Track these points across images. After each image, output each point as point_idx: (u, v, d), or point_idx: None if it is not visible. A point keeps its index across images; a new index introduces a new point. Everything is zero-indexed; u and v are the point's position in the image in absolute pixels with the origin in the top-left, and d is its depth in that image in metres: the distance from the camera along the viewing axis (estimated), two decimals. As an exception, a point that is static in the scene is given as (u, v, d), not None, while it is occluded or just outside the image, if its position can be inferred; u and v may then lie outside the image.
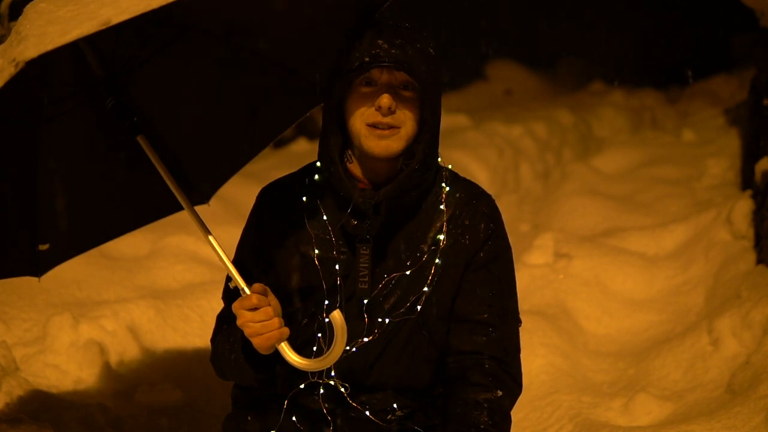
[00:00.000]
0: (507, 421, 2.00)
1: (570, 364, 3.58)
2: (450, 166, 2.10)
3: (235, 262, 2.06)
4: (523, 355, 2.11)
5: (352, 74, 1.89)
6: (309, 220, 2.02)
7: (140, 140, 2.07)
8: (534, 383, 3.35)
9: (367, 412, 2.00)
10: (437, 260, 1.99)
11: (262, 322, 1.86)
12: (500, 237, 2.07)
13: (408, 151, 1.94)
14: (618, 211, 5.28)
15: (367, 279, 1.97)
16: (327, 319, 1.97)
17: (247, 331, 1.87)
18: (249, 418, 2.07)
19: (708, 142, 6.58)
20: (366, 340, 1.99)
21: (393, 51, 1.87)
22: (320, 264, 2.00)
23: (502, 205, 2.19)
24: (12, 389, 2.91)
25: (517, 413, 2.10)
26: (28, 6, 1.82)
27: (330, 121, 1.96)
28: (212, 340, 2.12)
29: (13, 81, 1.61)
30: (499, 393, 1.98)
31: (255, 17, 2.07)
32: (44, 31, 1.62)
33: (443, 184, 2.04)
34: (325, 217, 2.01)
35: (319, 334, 2.00)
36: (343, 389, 2.01)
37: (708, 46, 10.51)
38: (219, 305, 2.17)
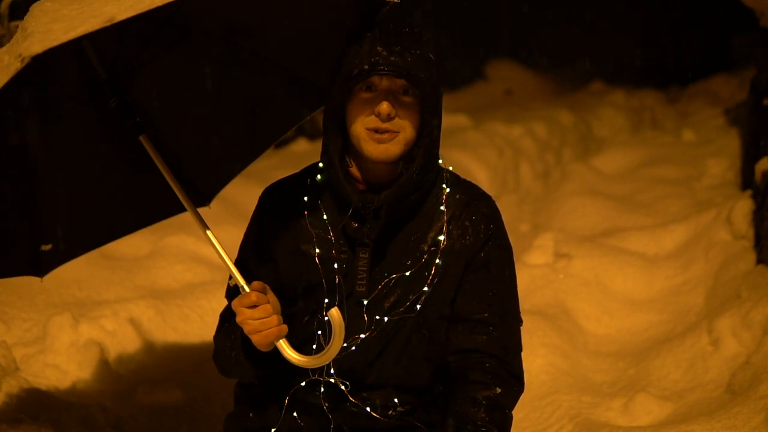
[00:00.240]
0: (506, 418, 2.00)
1: (570, 364, 3.58)
2: (451, 168, 2.11)
3: (237, 261, 2.08)
4: (523, 355, 2.11)
5: (351, 82, 1.90)
6: (310, 219, 2.03)
7: (142, 140, 2.08)
8: (534, 383, 3.35)
9: (368, 408, 2.01)
10: (437, 260, 2.00)
11: (261, 320, 1.88)
12: (500, 237, 2.08)
13: (408, 155, 1.95)
14: (618, 211, 5.28)
15: (365, 282, 1.99)
16: (327, 318, 1.98)
17: (246, 328, 1.89)
18: (250, 415, 2.08)
19: (708, 142, 6.58)
20: (363, 336, 2.00)
21: (392, 58, 1.87)
22: (321, 263, 2.01)
23: (502, 205, 2.19)
24: (12, 389, 2.91)
25: (517, 413, 2.10)
26: (34, 5, 1.83)
27: (330, 125, 1.97)
28: (214, 337, 2.14)
29: (18, 81, 1.62)
30: (498, 390, 1.98)
31: (256, 19, 2.08)
32: (49, 28, 1.64)
33: (444, 186, 2.05)
34: (325, 217, 2.02)
35: (319, 332, 2.01)
36: (343, 387, 2.01)
37: (708, 46, 10.51)
38: (219, 305, 2.17)
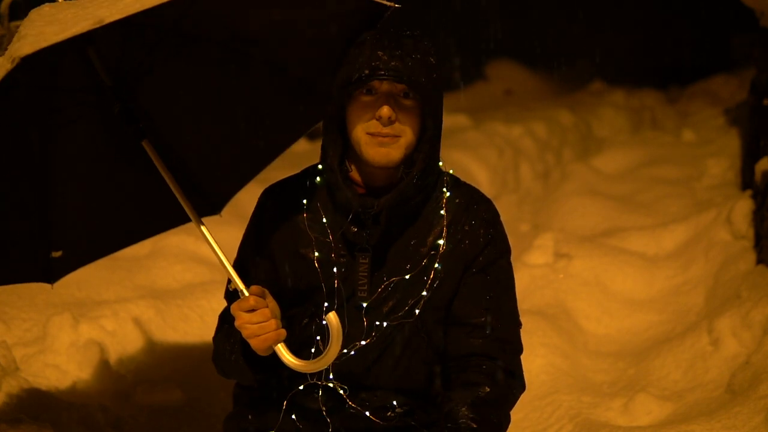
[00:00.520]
0: (495, 416, 1.99)
1: (570, 364, 3.58)
2: (452, 171, 2.10)
3: (236, 263, 2.07)
4: (523, 356, 2.11)
5: (351, 86, 1.89)
6: (309, 222, 2.03)
7: (145, 145, 2.07)
8: (534, 383, 3.35)
9: (367, 413, 2.01)
10: (436, 265, 2.00)
11: (259, 324, 1.87)
12: (499, 242, 2.07)
13: (408, 159, 1.95)
14: (618, 211, 5.28)
15: (366, 288, 1.99)
16: (326, 322, 1.98)
17: (244, 333, 1.89)
18: (249, 416, 2.08)
19: (708, 142, 6.58)
20: (363, 343, 1.99)
21: (393, 63, 1.86)
22: (320, 267, 2.00)
23: (502, 205, 2.19)
24: (12, 389, 2.91)
25: (517, 413, 2.10)
26: (33, 10, 1.85)
27: (330, 129, 1.96)
28: (214, 339, 2.13)
29: (27, 88, 1.63)
30: (487, 389, 1.97)
31: (261, 26, 2.07)
32: (42, 31, 1.66)
33: (444, 189, 2.05)
34: (324, 220, 2.02)
35: (318, 337, 2.01)
36: (342, 391, 2.01)
37: (708, 46, 10.51)
38: (219, 305, 2.17)
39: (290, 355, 1.91)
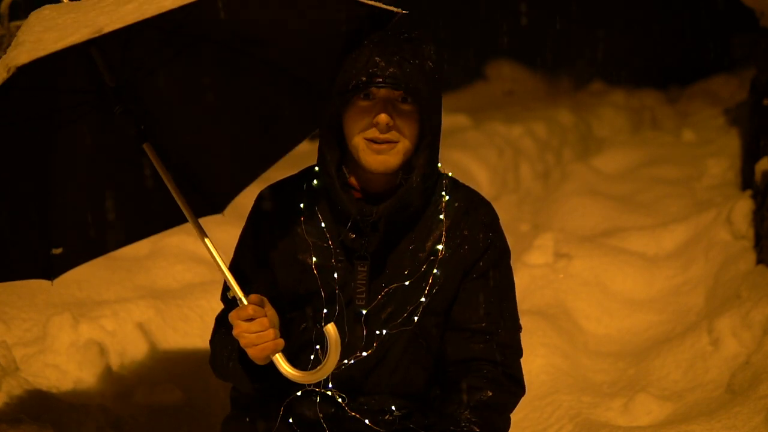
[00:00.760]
0: (497, 420, 1.99)
1: (570, 364, 3.58)
2: (450, 174, 2.08)
3: (232, 265, 2.06)
4: (523, 356, 2.10)
5: (349, 94, 1.86)
6: (306, 226, 2.01)
7: (146, 148, 2.06)
8: (534, 383, 3.35)
9: (367, 421, 2.00)
10: (435, 270, 1.98)
11: (257, 333, 1.86)
12: (499, 246, 2.05)
13: (407, 165, 1.93)
14: (618, 211, 5.28)
15: (364, 296, 1.97)
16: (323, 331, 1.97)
17: (242, 341, 1.87)
18: (247, 419, 2.07)
19: (708, 142, 6.59)
20: (365, 354, 1.99)
21: (390, 69, 1.83)
22: (318, 272, 1.99)
23: (502, 205, 2.19)
24: (12, 389, 2.90)
25: (517, 413, 2.10)
26: (33, 12, 1.83)
27: (327, 135, 1.94)
28: (211, 342, 2.12)
29: (28, 88, 1.62)
30: (489, 393, 1.97)
31: (265, 29, 2.07)
32: (40, 38, 1.63)
33: (443, 193, 2.03)
34: (323, 225, 2.00)
35: (318, 346, 2.00)
36: (340, 399, 2.00)
37: (708, 46, 10.50)
38: (219, 305, 2.17)
39: (288, 365, 1.89)
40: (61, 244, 2.37)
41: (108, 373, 3.19)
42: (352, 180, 1.97)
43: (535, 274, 4.31)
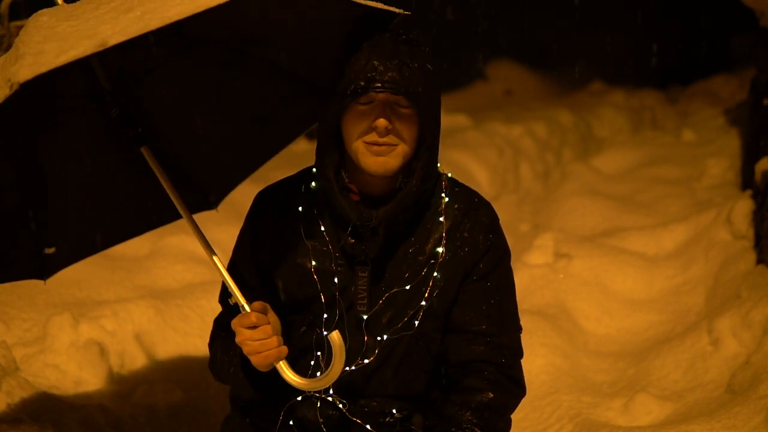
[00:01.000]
0: (497, 421, 1.99)
1: (570, 364, 3.58)
2: (450, 174, 2.07)
3: (230, 268, 2.05)
4: (523, 356, 2.10)
5: (347, 99, 1.85)
6: (305, 230, 2.00)
7: (144, 151, 2.05)
8: (534, 383, 3.35)
9: (368, 426, 2.00)
10: (435, 274, 1.98)
11: (261, 341, 1.85)
12: (499, 247, 2.04)
13: (407, 167, 1.91)
14: (618, 211, 5.28)
15: (365, 302, 1.96)
16: (325, 333, 1.96)
17: (245, 349, 1.86)
18: (247, 420, 2.07)
19: (708, 142, 6.59)
20: (366, 361, 1.98)
21: (389, 74, 1.82)
22: (318, 276, 1.98)
23: (502, 206, 2.19)
24: (12, 389, 2.90)
25: (517, 413, 2.10)
26: (31, 18, 1.80)
27: (326, 138, 1.92)
28: (210, 345, 2.11)
29: (22, 92, 1.60)
30: (491, 395, 1.97)
31: (262, 26, 2.06)
32: (41, 49, 1.60)
33: (442, 195, 2.01)
34: (322, 228, 1.99)
35: (318, 353, 1.99)
36: (341, 405, 2.00)
37: (708, 46, 10.50)
38: (219, 306, 2.16)
39: (292, 372, 1.88)
40: (54, 243, 2.35)
41: (108, 373, 3.19)
42: (351, 183, 1.96)
43: (535, 274, 4.31)
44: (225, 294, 2.08)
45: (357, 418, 2.00)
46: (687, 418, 2.96)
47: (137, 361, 3.36)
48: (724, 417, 2.82)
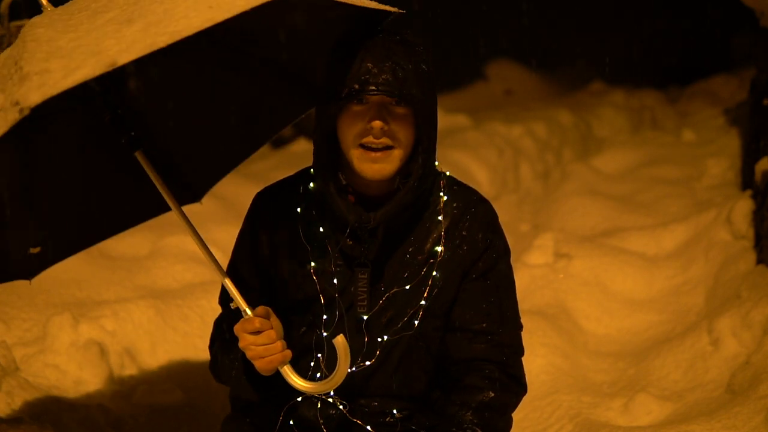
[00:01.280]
0: (498, 420, 1.98)
1: (570, 364, 3.58)
2: (448, 173, 2.07)
3: (229, 270, 2.05)
4: (523, 356, 2.10)
5: (341, 102, 1.84)
6: (304, 231, 2.00)
7: (138, 156, 2.03)
8: (534, 383, 3.35)
9: (369, 427, 2.00)
10: (435, 273, 1.97)
11: (265, 346, 1.84)
12: (498, 245, 2.04)
13: (404, 169, 1.91)
14: (618, 211, 5.28)
15: (365, 303, 1.96)
16: (325, 333, 1.97)
17: (249, 354, 1.86)
18: (247, 420, 2.06)
19: (708, 142, 6.59)
20: (368, 363, 1.98)
21: (383, 76, 1.81)
22: (317, 277, 1.98)
23: (502, 205, 2.19)
24: (12, 389, 2.90)
25: (517, 413, 2.10)
26: (26, 29, 1.74)
27: (322, 141, 1.91)
28: (210, 347, 2.11)
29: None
30: (491, 394, 1.96)
31: (254, 25, 2.05)
32: (46, 68, 1.56)
33: (441, 193, 2.01)
34: (321, 229, 1.99)
35: (319, 355, 1.99)
36: (341, 406, 2.00)
37: (708, 46, 10.51)
38: (218, 306, 2.16)
39: (296, 376, 1.88)
40: (39, 243, 2.33)
41: (108, 373, 3.19)
42: (349, 186, 1.95)
43: (535, 274, 4.31)
44: (225, 295, 2.08)
45: (357, 419, 2.00)
46: (687, 418, 2.96)
47: (137, 361, 3.36)
48: (724, 417, 2.82)
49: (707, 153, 6.14)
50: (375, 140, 1.85)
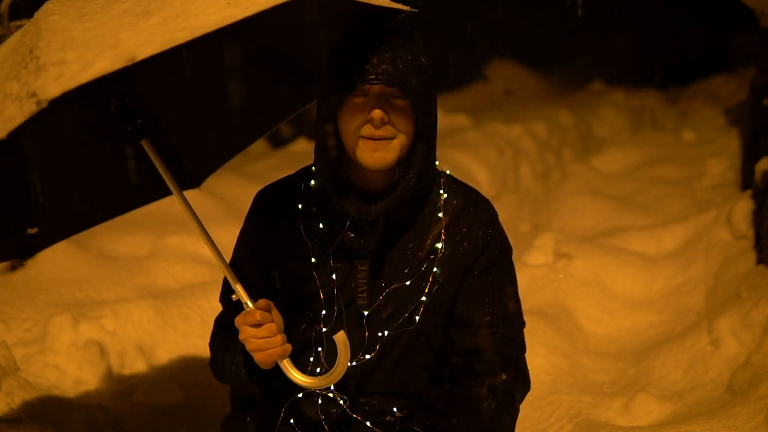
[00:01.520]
0: (511, 402, 1.98)
1: (570, 364, 3.58)
2: (448, 172, 2.08)
3: (231, 266, 2.05)
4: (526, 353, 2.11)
5: (343, 93, 1.85)
6: (305, 227, 2.00)
7: (144, 144, 2.03)
8: (534, 383, 3.32)
9: (368, 423, 2.00)
10: (435, 269, 1.98)
11: (265, 339, 1.85)
12: (499, 242, 2.05)
13: (404, 161, 1.92)
14: (618, 211, 5.29)
15: (365, 296, 1.97)
16: (324, 329, 1.97)
17: (248, 347, 1.86)
18: (247, 419, 2.07)
19: (708, 142, 6.60)
20: (368, 357, 1.98)
21: (383, 66, 1.82)
22: (317, 272, 1.98)
23: (502, 205, 2.19)
24: (12, 389, 2.90)
25: (517, 413, 2.10)
26: (39, 14, 1.73)
27: (323, 134, 1.92)
28: (211, 345, 2.12)
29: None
30: (504, 376, 1.96)
31: (263, 23, 2.05)
32: (63, 59, 1.54)
33: (441, 191, 2.02)
34: (321, 225, 1.99)
35: (319, 348, 2.00)
36: (342, 401, 2.00)
37: (708, 46, 10.51)
38: (219, 305, 2.16)
39: (296, 370, 1.88)
40: (37, 223, 2.33)
41: (108, 373, 3.19)
42: (351, 177, 1.96)
43: (535, 274, 4.31)
44: (226, 292, 2.08)
45: (358, 416, 2.00)
46: (687, 418, 2.96)
47: (137, 360, 3.36)
48: (724, 417, 2.82)
49: (707, 153, 6.15)
50: (376, 132, 1.86)
